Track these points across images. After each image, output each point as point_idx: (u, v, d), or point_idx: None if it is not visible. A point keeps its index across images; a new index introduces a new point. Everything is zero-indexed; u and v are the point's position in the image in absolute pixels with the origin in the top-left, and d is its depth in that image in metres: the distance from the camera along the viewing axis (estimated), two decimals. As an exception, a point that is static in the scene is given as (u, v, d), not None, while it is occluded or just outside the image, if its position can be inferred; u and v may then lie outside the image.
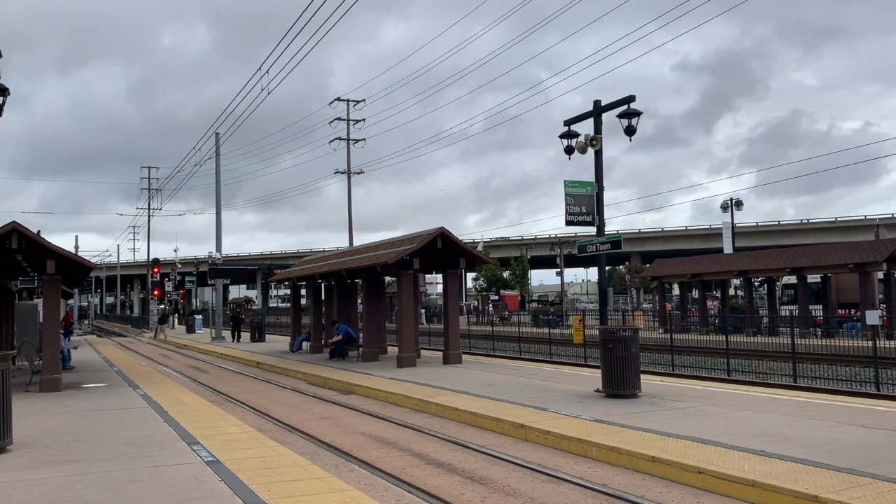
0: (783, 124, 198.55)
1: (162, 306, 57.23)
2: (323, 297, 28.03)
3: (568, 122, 15.18)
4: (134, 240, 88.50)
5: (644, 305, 59.77)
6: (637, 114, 14.21)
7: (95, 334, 63.16)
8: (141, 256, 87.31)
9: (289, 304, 39.89)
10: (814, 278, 32.86)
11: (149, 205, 65.45)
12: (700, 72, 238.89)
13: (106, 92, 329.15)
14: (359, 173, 46.32)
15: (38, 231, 17.10)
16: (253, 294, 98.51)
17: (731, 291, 47.57)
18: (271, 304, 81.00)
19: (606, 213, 14.74)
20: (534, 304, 70.36)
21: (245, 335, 38.82)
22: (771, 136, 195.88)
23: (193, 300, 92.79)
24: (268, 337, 37.92)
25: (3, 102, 14.29)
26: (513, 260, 70.42)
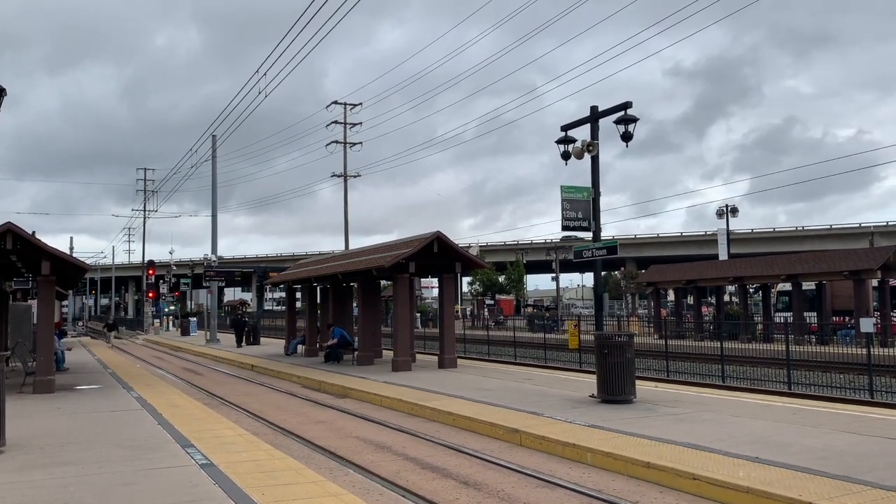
0: (777, 131, 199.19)
1: (112, 317, 56.72)
2: (318, 301, 28.00)
3: (565, 128, 15.22)
4: (129, 241, 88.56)
5: (639, 311, 59.83)
6: (634, 120, 14.26)
7: (90, 336, 62.96)
8: (136, 258, 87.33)
9: (284, 307, 39.62)
10: (809, 285, 32.92)
11: (144, 206, 65.47)
12: (692, 78, 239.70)
13: (97, 92, 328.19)
14: (355, 176, 46.38)
15: (34, 232, 17.05)
16: (248, 297, 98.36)
17: (727, 298, 47.66)
18: (266, 307, 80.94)
19: (601, 219, 14.75)
20: (529, 309, 70.37)
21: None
22: (764, 142, 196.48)
23: (188, 302, 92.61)
24: (262, 340, 37.83)
25: (0, 102, 14.27)
26: (509, 264, 70.47)
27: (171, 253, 72.97)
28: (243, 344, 35.50)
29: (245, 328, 35.91)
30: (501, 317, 57.64)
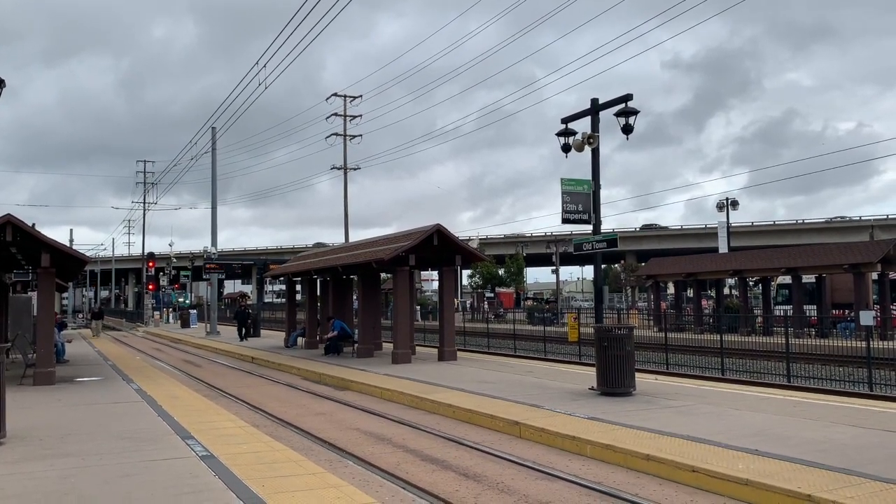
0: (776, 124, 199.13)
1: (97, 304, 56.26)
2: (318, 293, 28.00)
3: (565, 120, 15.15)
4: (129, 234, 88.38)
5: (639, 304, 59.86)
6: (634, 112, 14.19)
7: (90, 328, 62.98)
8: (136, 250, 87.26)
9: (284, 300, 39.51)
10: (808, 278, 32.91)
11: (144, 199, 65.34)
12: (691, 70, 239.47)
13: (95, 84, 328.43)
14: (355, 169, 46.32)
15: (33, 224, 17.03)
16: (248, 289, 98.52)
17: (726, 291, 47.65)
18: (266, 300, 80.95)
19: (601, 212, 14.70)
20: (529, 302, 70.48)
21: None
22: (764, 135, 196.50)
23: (189, 294, 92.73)
24: (262, 332, 37.84)
25: (-1, 94, 14.22)
26: (508, 257, 70.45)
27: (170, 245, 72.94)
28: (246, 337, 35.38)
29: (249, 321, 35.59)
30: (501, 310, 57.71)
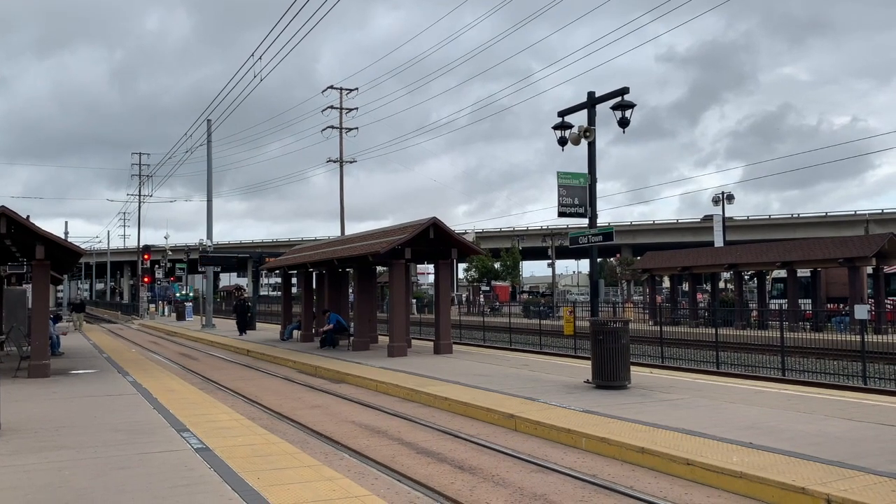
0: (771, 118, 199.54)
1: (78, 296, 55.71)
2: (314, 286, 27.97)
3: (562, 113, 15.13)
4: (124, 226, 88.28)
5: (634, 298, 59.94)
6: (630, 105, 14.18)
7: (85, 321, 62.80)
8: (131, 243, 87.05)
9: (279, 293, 39.42)
10: (803, 272, 32.99)
11: (139, 191, 65.19)
12: (686, 63, 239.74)
13: (88, 75, 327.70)
14: (351, 162, 46.24)
15: (27, 216, 16.95)
16: (244, 282, 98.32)
17: (722, 285, 47.71)
18: (262, 293, 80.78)
19: (597, 206, 14.70)
20: (525, 296, 70.40)
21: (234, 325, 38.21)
22: (758, 129, 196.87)
23: (185, 287, 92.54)
24: (258, 325, 37.78)
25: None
26: (504, 251, 70.47)
27: (166, 238, 72.86)
28: (228, 327, 35.04)
29: (248, 314, 35.29)
30: (497, 303, 57.72)
